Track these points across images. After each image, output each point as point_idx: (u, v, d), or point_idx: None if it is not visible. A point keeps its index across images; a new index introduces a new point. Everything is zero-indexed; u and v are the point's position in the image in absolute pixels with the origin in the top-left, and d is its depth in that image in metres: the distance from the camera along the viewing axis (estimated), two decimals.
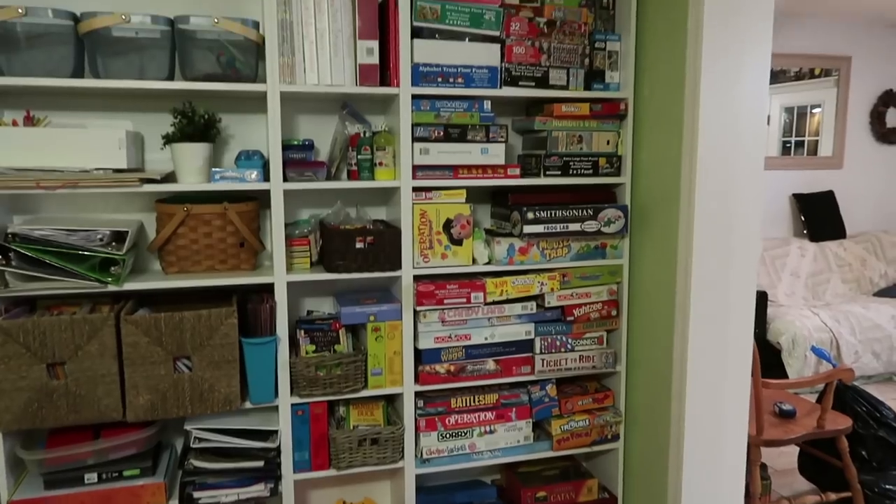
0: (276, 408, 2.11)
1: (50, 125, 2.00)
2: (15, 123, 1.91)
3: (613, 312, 2.41)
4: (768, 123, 5.94)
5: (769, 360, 4.02)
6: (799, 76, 5.19)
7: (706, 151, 2.05)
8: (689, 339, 2.12)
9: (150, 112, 2.13)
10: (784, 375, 3.99)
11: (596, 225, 2.29)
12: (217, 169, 1.97)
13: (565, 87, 2.27)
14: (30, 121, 1.95)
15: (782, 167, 5.08)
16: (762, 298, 4.12)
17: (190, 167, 1.99)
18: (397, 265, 2.15)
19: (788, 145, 5.32)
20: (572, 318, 2.35)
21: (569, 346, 2.36)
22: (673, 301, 2.17)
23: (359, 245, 2.10)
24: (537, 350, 2.32)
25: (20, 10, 1.79)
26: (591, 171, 2.33)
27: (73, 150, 1.88)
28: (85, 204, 2.12)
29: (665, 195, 2.20)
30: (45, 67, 1.85)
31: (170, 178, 2.05)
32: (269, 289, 2.09)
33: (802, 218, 4.94)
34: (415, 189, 2.15)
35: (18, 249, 1.82)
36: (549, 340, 2.33)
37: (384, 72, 2.11)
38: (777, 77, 5.27)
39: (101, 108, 2.09)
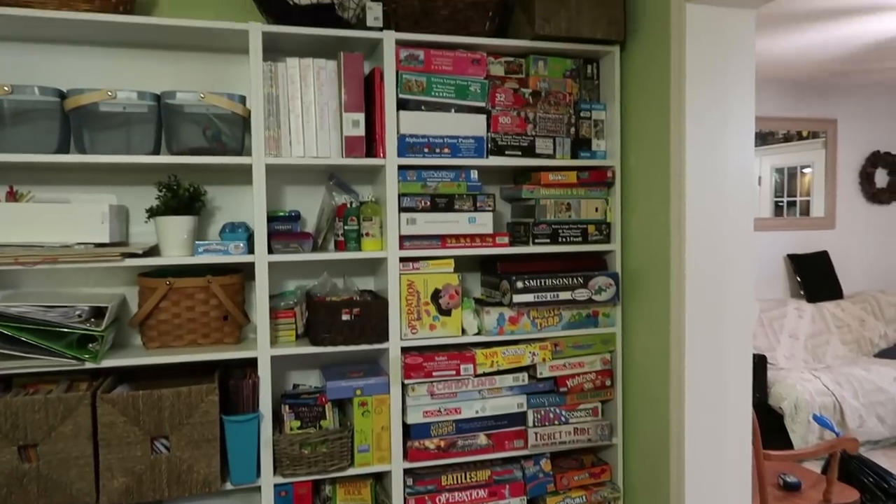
0: (259, 488, 2.02)
1: (33, 200, 1.99)
2: None
3: (608, 382, 2.35)
4: (759, 184, 5.98)
5: (772, 425, 3.92)
6: (787, 138, 5.26)
7: (694, 216, 2.04)
8: (686, 410, 2.06)
9: (136, 185, 2.12)
10: (787, 441, 3.88)
11: (587, 293, 2.26)
12: (201, 242, 1.95)
13: (552, 156, 2.27)
14: (12, 196, 1.93)
15: (775, 228, 5.08)
16: (761, 362, 4.05)
17: (174, 240, 1.97)
18: (384, 337, 2.11)
19: (781, 204, 5.34)
20: (566, 389, 2.29)
21: (563, 419, 2.29)
22: (668, 369, 2.12)
23: (345, 317, 2.06)
24: (530, 423, 2.25)
25: (6, 88, 1.80)
26: (580, 239, 2.31)
27: (56, 225, 1.86)
28: (67, 278, 2.08)
29: (655, 261, 2.17)
30: (31, 143, 1.85)
31: (154, 251, 2.03)
32: (253, 363, 2.03)
33: (798, 279, 4.91)
34: (402, 259, 2.12)
35: None
36: (543, 413, 2.27)
37: (370, 143, 2.12)
38: (766, 139, 5.33)
39: (87, 182, 2.08)
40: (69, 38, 2.03)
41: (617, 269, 2.34)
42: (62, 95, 1.88)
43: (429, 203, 2.13)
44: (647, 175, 2.21)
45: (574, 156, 2.31)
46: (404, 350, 2.14)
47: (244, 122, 2.01)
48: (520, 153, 2.24)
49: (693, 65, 2.03)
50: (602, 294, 2.27)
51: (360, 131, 2.06)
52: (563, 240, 2.29)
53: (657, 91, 2.14)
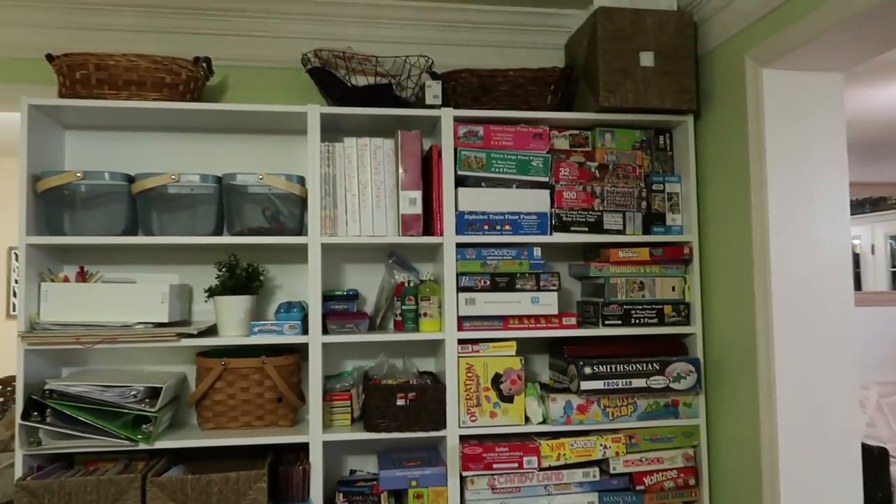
0: None
1: (101, 280, 2.05)
2: (66, 279, 1.97)
3: (692, 481, 2.11)
4: (872, 253, 5.49)
5: None
6: None
7: (782, 295, 1.84)
8: None
9: (199, 264, 2.16)
10: None
11: (664, 381, 2.06)
12: (256, 322, 1.93)
13: (622, 232, 2.14)
14: (82, 276, 2.00)
15: (894, 302, 4.62)
16: (882, 455, 3.58)
17: (230, 320, 1.97)
18: (441, 424, 1.99)
19: None
20: (643, 488, 2.07)
21: None
22: (760, 468, 1.87)
23: (399, 402, 1.97)
24: None
25: (79, 174, 1.89)
26: (655, 321, 2.13)
27: (118, 305, 1.90)
28: (132, 356, 2.12)
29: (741, 345, 1.97)
30: (100, 225, 1.92)
31: (212, 330, 2.03)
32: (306, 447, 1.96)
33: None
34: (460, 341, 2.02)
35: (54, 406, 1.80)
36: None
37: (428, 220, 2.07)
38: (878, 205, 4.94)
39: (152, 262, 2.14)
40: (138, 125, 2.13)
41: (698, 354, 2.13)
42: (130, 179, 1.95)
43: (489, 282, 2.03)
44: (729, 251, 2.03)
45: (646, 231, 2.17)
46: (463, 439, 2.02)
47: (302, 201, 2.02)
48: (586, 229, 2.12)
49: (774, 133, 1.88)
50: (681, 382, 2.07)
51: (417, 209, 2.02)
52: (637, 321, 2.12)
53: (736, 162, 1.99)
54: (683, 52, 2.10)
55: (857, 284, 5.31)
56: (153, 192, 1.94)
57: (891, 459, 3.75)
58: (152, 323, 1.90)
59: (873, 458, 3.46)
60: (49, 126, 2.02)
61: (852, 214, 5.19)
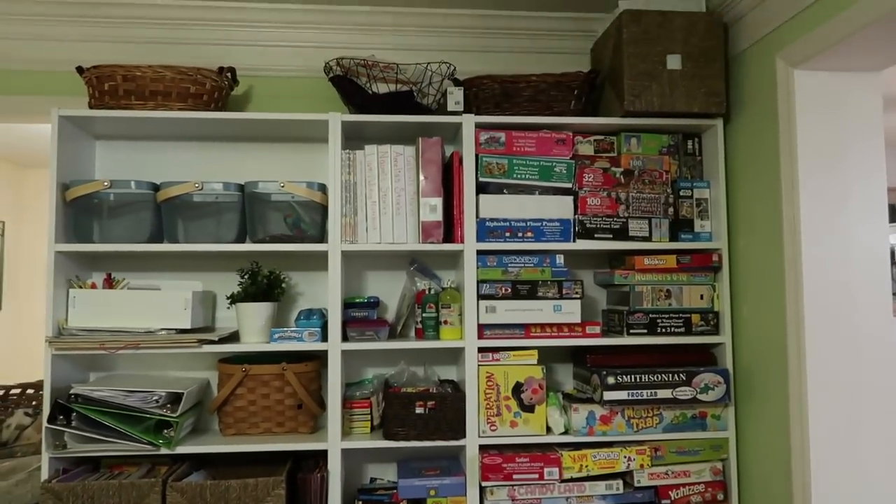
0: None
1: (127, 286, 2.09)
2: (94, 286, 2.01)
3: (720, 496, 2.04)
4: None
5: None
6: None
7: (815, 304, 1.77)
8: None
9: (223, 271, 2.18)
10: None
11: (691, 392, 2.00)
12: (276, 329, 1.94)
13: (647, 239, 2.09)
14: (109, 283, 2.04)
15: None
16: None
17: (252, 326, 1.98)
18: (461, 433, 1.97)
19: None
20: (668, 502, 2.01)
21: None
22: (790, 485, 1.80)
23: (419, 410, 1.95)
24: None
25: (105, 183, 1.93)
26: (682, 330, 2.07)
27: (143, 311, 1.93)
28: (157, 361, 2.15)
29: (772, 356, 1.90)
30: (127, 233, 1.96)
31: (234, 337, 2.05)
32: (326, 454, 1.96)
33: None
34: (480, 349, 2.00)
35: (79, 410, 1.84)
36: None
37: (449, 228, 2.05)
38: None
39: (176, 269, 2.17)
40: (164, 135, 2.17)
41: (727, 365, 2.06)
42: (155, 188, 1.98)
43: (510, 290, 2.01)
44: (760, 259, 1.96)
45: (674, 238, 2.11)
46: (482, 448, 1.99)
47: (324, 209, 2.02)
48: (611, 236, 2.07)
49: (806, 136, 1.81)
50: (709, 393, 2.01)
51: (438, 216, 2.01)
52: (663, 330, 2.07)
53: (767, 166, 1.92)
54: (713, 54, 2.05)
55: None
56: (178, 200, 1.97)
57: None
58: (175, 329, 1.93)
59: None
60: (79, 136, 2.07)
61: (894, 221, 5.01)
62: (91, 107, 1.99)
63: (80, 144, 2.08)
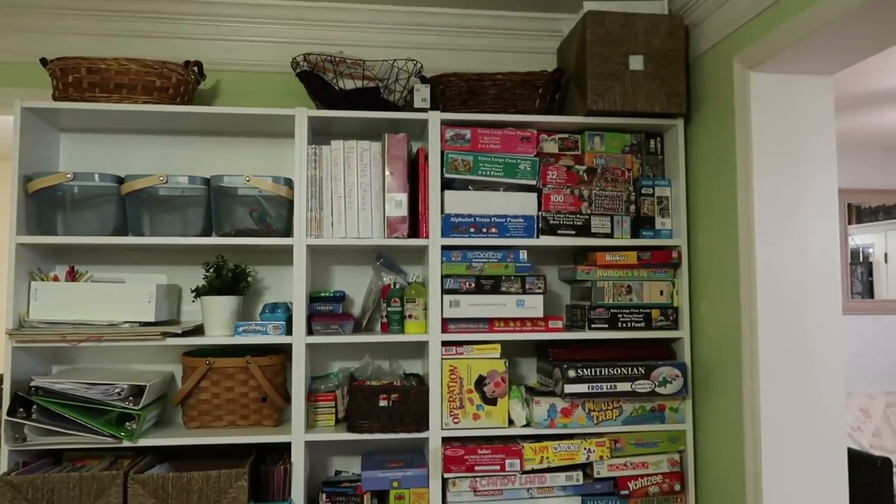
0: None
1: (90, 279, 2.08)
2: (56, 279, 2.00)
3: (677, 487, 2.09)
4: (886, 262, 5.43)
5: None
6: None
7: (768, 301, 1.83)
8: None
9: (188, 265, 2.18)
10: None
11: (649, 385, 2.05)
12: (241, 322, 1.95)
13: (609, 235, 2.13)
14: (72, 276, 2.03)
15: None
16: (886, 466, 3.52)
17: (216, 320, 1.99)
18: (424, 426, 1.99)
19: None
20: (627, 493, 2.06)
21: None
22: (744, 475, 1.85)
23: (382, 403, 1.97)
24: None
25: (69, 175, 1.92)
26: (643, 325, 2.12)
27: (106, 304, 1.93)
28: (121, 355, 2.14)
29: (728, 351, 1.95)
30: (90, 226, 1.95)
31: (199, 330, 2.05)
32: (290, 447, 1.97)
33: None
34: (444, 343, 2.02)
35: (39, 402, 1.83)
36: None
37: (414, 223, 2.07)
38: (891, 212, 4.88)
39: (141, 262, 2.17)
40: (130, 128, 2.17)
41: (686, 359, 2.11)
42: (120, 181, 1.98)
43: (473, 285, 2.03)
44: (717, 255, 2.01)
45: (636, 235, 2.16)
46: (445, 441, 2.02)
47: (290, 203, 2.03)
48: (574, 233, 2.11)
49: (761, 137, 1.86)
50: (667, 386, 2.06)
51: (403, 212, 2.03)
52: (624, 325, 2.11)
53: (724, 165, 1.98)
54: (674, 56, 2.09)
55: (871, 293, 5.23)
56: (143, 193, 1.96)
57: (895, 470, 3.68)
58: (139, 322, 1.93)
59: (877, 468, 3.40)
60: (43, 129, 2.06)
61: (866, 222, 5.13)
62: (55, 99, 1.98)
63: (43, 137, 2.06)
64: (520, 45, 2.41)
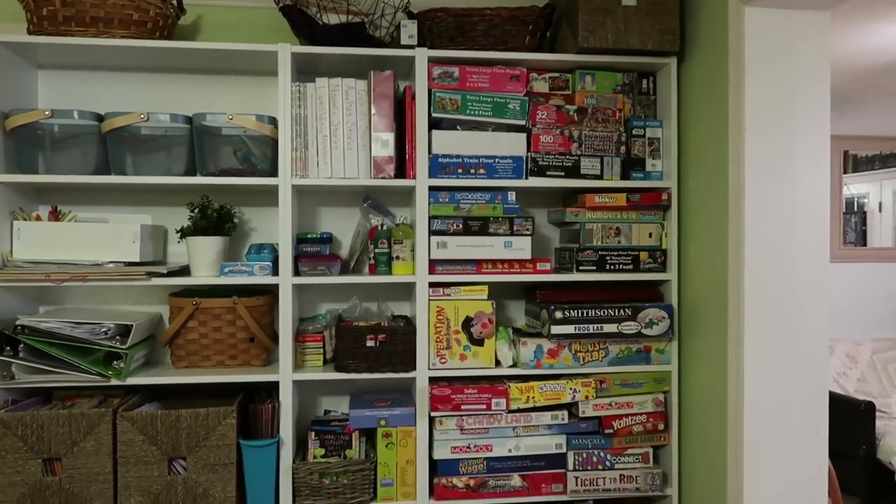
0: None
1: (74, 219, 2.06)
2: (38, 218, 1.97)
3: (661, 426, 2.12)
4: (880, 211, 5.43)
5: (881, 483, 3.45)
6: None
7: (755, 244, 1.82)
8: (745, 462, 1.82)
9: (173, 206, 2.16)
10: None
11: (636, 326, 2.06)
12: (227, 263, 1.94)
13: (599, 177, 2.10)
14: (55, 216, 2.01)
15: None
16: (869, 410, 3.59)
17: (202, 261, 1.98)
18: (411, 366, 2.01)
19: None
20: (611, 431, 2.09)
21: (607, 464, 2.09)
22: (725, 414, 1.88)
23: (370, 343, 1.98)
24: (570, 466, 2.07)
25: (46, 113, 1.88)
26: (630, 267, 2.12)
27: (90, 244, 1.91)
28: (109, 296, 2.14)
29: (715, 293, 1.95)
30: (71, 165, 1.92)
31: (185, 271, 2.04)
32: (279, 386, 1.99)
33: None
34: (431, 285, 2.02)
35: (26, 341, 1.84)
36: (585, 455, 2.07)
37: (401, 163, 2.05)
38: (886, 161, 4.85)
39: (124, 203, 2.14)
40: (108, 65, 2.11)
41: (673, 302, 2.12)
42: (100, 119, 1.94)
43: (461, 226, 2.02)
44: (707, 198, 1.99)
45: (625, 177, 2.13)
46: (432, 381, 2.03)
47: (275, 143, 2.00)
48: (563, 174, 2.09)
49: (755, 77, 1.82)
50: (653, 328, 2.07)
51: (389, 151, 2.00)
52: (612, 267, 2.11)
53: (717, 106, 1.94)
54: None
55: (864, 241, 5.24)
56: (125, 132, 1.92)
57: (878, 414, 3.75)
58: (123, 262, 1.92)
59: (860, 411, 3.47)
60: (20, 65, 2.00)
61: (861, 171, 5.10)
62: (29, 33, 1.92)
63: (20, 73, 2.01)
64: None
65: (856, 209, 5.20)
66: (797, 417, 1.85)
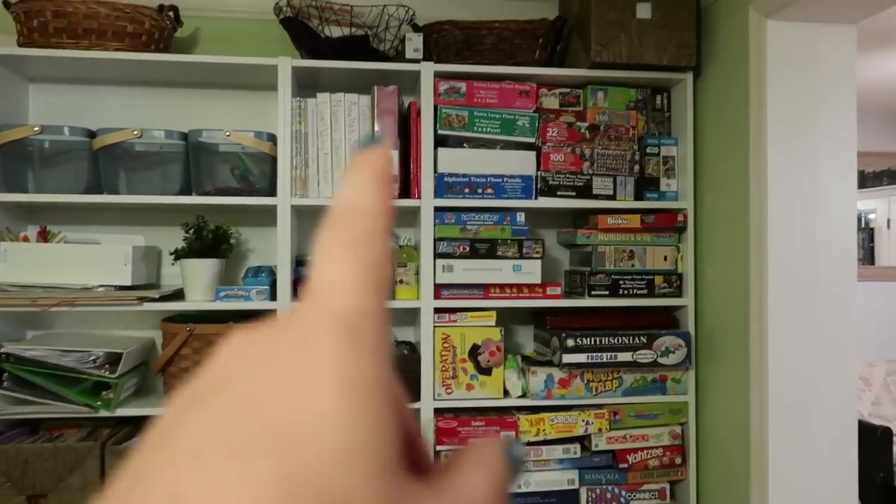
0: None
1: (64, 240, 1.97)
2: (26, 239, 1.89)
3: (678, 460, 2.02)
4: (888, 227, 5.33)
5: None
6: None
7: (779, 268, 1.72)
8: (769, 501, 1.71)
9: (167, 225, 2.07)
10: None
11: (651, 355, 1.96)
12: (222, 287, 1.85)
13: (611, 197, 2.01)
14: (44, 236, 1.92)
15: None
16: (886, 436, 3.47)
17: (197, 284, 1.88)
18: (416, 396, 1.91)
19: None
20: (626, 466, 1.98)
21: (622, 500, 1.98)
22: (748, 449, 1.78)
23: None
24: (583, 503, 1.96)
25: (36, 129, 1.79)
26: (645, 292, 2.02)
27: (80, 267, 1.82)
28: (99, 320, 2.05)
29: (735, 320, 1.85)
30: (61, 183, 1.83)
31: (179, 294, 1.95)
32: None
33: None
34: (437, 310, 1.93)
35: (10, 370, 1.74)
36: (598, 492, 1.97)
37: (406, 183, 1.96)
38: (895, 177, 4.75)
39: (116, 223, 2.05)
40: (102, 78, 2.03)
41: (690, 328, 2.02)
42: (91, 135, 1.85)
43: (468, 248, 1.93)
44: (726, 220, 1.90)
45: (639, 197, 2.04)
46: (438, 412, 1.93)
47: (274, 161, 1.91)
48: (574, 194, 2.00)
49: (777, 91, 1.74)
50: (670, 356, 1.97)
51: (393, 170, 1.90)
52: (626, 292, 2.01)
53: (736, 123, 1.85)
54: (684, 3, 1.96)
55: (871, 259, 5.15)
56: (118, 148, 1.84)
57: (895, 439, 3.64)
58: (115, 286, 1.83)
59: (876, 437, 3.35)
60: (10, 78, 1.92)
61: (869, 187, 5.01)
62: (20, 45, 1.84)
63: (11, 87, 1.93)
64: None
65: (863, 225, 5.11)
66: (825, 451, 1.75)
